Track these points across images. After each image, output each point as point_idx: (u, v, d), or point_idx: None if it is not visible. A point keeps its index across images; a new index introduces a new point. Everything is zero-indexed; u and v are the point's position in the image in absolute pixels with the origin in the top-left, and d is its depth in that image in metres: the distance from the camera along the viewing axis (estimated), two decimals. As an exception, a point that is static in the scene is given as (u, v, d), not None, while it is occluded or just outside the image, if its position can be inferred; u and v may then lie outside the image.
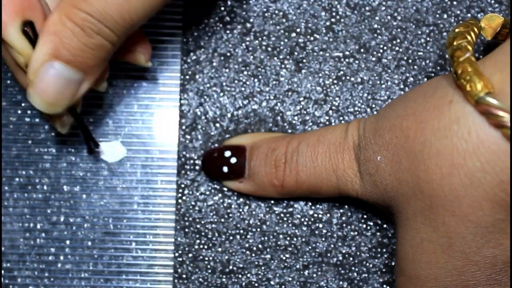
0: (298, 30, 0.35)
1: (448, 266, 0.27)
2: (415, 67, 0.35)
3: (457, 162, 0.25)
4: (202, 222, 0.35)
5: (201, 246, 0.34)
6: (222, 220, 0.35)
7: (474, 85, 0.24)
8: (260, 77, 0.35)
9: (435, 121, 0.25)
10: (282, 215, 0.34)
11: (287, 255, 0.34)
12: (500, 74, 0.24)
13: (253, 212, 0.35)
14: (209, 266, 0.34)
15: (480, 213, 0.25)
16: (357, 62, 0.35)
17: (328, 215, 0.34)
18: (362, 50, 0.35)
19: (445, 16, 0.35)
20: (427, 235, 0.27)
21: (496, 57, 0.25)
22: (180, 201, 0.35)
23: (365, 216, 0.34)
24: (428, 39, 0.35)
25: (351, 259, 0.34)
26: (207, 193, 0.35)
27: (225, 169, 0.33)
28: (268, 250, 0.34)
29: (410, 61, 0.35)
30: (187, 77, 0.35)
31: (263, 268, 0.34)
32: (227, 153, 0.33)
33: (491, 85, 0.24)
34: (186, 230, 0.34)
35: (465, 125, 0.24)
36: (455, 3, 0.35)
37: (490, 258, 0.26)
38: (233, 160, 0.33)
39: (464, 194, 0.25)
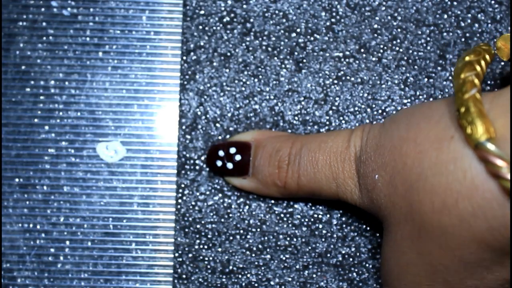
0: (298, 30, 0.35)
1: None
2: (415, 67, 0.35)
3: (449, 202, 0.24)
4: (202, 222, 0.35)
5: (201, 246, 0.34)
6: (222, 220, 0.35)
7: (475, 128, 0.22)
8: (260, 77, 0.35)
9: (434, 154, 0.24)
10: (282, 215, 0.34)
11: (287, 256, 0.34)
12: (505, 118, 0.22)
13: (253, 212, 0.35)
14: (209, 266, 0.34)
15: (466, 251, 0.24)
16: (357, 62, 0.35)
17: (328, 215, 0.34)
18: (362, 50, 0.35)
19: (445, 16, 0.34)
20: (413, 259, 0.26)
21: (505, 96, 0.23)
22: (180, 201, 0.35)
23: (364, 217, 0.34)
24: (428, 39, 0.34)
25: (351, 259, 0.34)
26: (207, 193, 0.35)
27: (230, 165, 0.33)
28: (268, 250, 0.34)
29: (410, 61, 0.35)
30: (187, 77, 0.35)
31: (263, 268, 0.34)
32: (232, 150, 0.33)
33: (494, 129, 0.22)
34: (186, 230, 0.34)
35: (461, 167, 0.23)
36: (455, 3, 0.34)
37: (472, 287, 0.26)
38: (238, 157, 0.33)
39: (452, 232, 0.24)
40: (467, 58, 0.25)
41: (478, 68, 0.25)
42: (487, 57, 0.26)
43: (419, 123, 0.26)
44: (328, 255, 0.34)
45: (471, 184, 0.23)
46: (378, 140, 0.28)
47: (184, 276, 0.34)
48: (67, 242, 0.34)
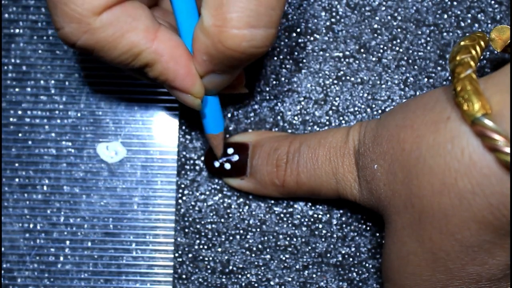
0: (298, 30, 0.35)
1: (432, 279, 0.27)
2: (415, 67, 0.35)
3: (448, 181, 0.24)
4: (202, 222, 0.35)
5: (201, 246, 0.34)
6: (222, 220, 0.35)
7: (471, 105, 0.23)
8: (260, 77, 0.35)
9: (431, 137, 0.25)
10: (282, 215, 0.34)
11: (287, 256, 0.34)
12: (501, 95, 0.23)
13: (253, 212, 0.35)
14: (209, 266, 0.34)
15: (466, 233, 0.24)
16: (357, 62, 0.35)
17: (328, 215, 0.34)
18: (362, 50, 0.35)
19: (445, 16, 0.34)
20: (413, 248, 0.27)
21: (500, 77, 0.24)
22: (180, 201, 0.35)
23: (364, 217, 0.34)
24: (428, 39, 0.34)
25: (350, 259, 0.34)
26: (207, 193, 0.35)
27: (227, 166, 0.33)
28: (268, 250, 0.34)
29: (410, 61, 0.35)
30: (187, 77, 0.35)
31: (263, 268, 0.34)
32: (230, 150, 0.33)
33: (490, 106, 0.23)
34: (186, 230, 0.34)
35: (459, 145, 0.24)
36: (455, 3, 0.34)
37: (474, 275, 0.26)
38: (236, 157, 0.33)
39: (453, 214, 0.24)
40: (462, 43, 0.26)
41: (473, 51, 0.25)
42: (482, 43, 0.26)
43: (415, 111, 0.27)
44: (328, 255, 0.34)
45: (469, 161, 0.23)
46: (376, 131, 0.28)
47: (184, 276, 0.34)
48: (67, 242, 0.34)
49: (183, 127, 0.35)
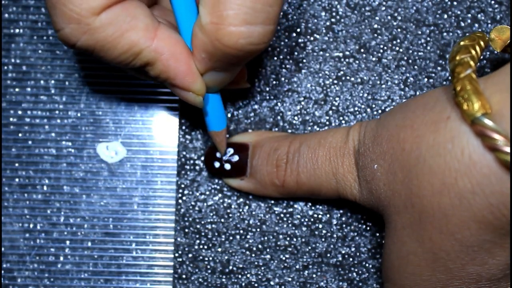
0: (298, 30, 0.35)
1: (432, 279, 0.27)
2: (415, 67, 0.35)
3: (448, 181, 0.24)
4: (202, 222, 0.35)
5: (201, 246, 0.34)
6: (222, 220, 0.35)
7: (471, 105, 0.23)
8: (260, 77, 0.35)
9: (431, 137, 0.25)
10: (282, 215, 0.34)
11: (287, 256, 0.34)
12: (500, 95, 0.23)
13: (253, 212, 0.35)
14: (209, 266, 0.34)
15: (466, 232, 0.25)
16: (357, 62, 0.35)
17: (328, 215, 0.34)
18: (362, 50, 0.35)
19: (445, 16, 0.34)
20: (413, 248, 0.27)
21: (499, 76, 0.24)
22: (180, 201, 0.35)
23: (364, 217, 0.34)
24: (428, 39, 0.34)
25: (350, 259, 0.34)
26: (207, 193, 0.35)
27: (227, 166, 0.33)
28: (268, 250, 0.34)
29: (410, 61, 0.35)
30: (187, 77, 0.35)
31: (263, 268, 0.34)
32: (230, 151, 0.33)
33: (489, 105, 0.23)
34: (186, 230, 0.34)
35: (459, 144, 0.24)
36: (455, 3, 0.34)
37: (474, 275, 0.26)
38: (235, 158, 0.33)
39: (453, 213, 0.24)
40: (462, 43, 0.26)
41: (473, 51, 0.25)
42: (482, 43, 0.26)
43: (415, 111, 0.27)
44: (328, 255, 0.34)
45: (469, 161, 0.23)
46: (376, 131, 0.28)
47: (184, 276, 0.34)
48: (67, 242, 0.35)
49: (183, 127, 0.35)
